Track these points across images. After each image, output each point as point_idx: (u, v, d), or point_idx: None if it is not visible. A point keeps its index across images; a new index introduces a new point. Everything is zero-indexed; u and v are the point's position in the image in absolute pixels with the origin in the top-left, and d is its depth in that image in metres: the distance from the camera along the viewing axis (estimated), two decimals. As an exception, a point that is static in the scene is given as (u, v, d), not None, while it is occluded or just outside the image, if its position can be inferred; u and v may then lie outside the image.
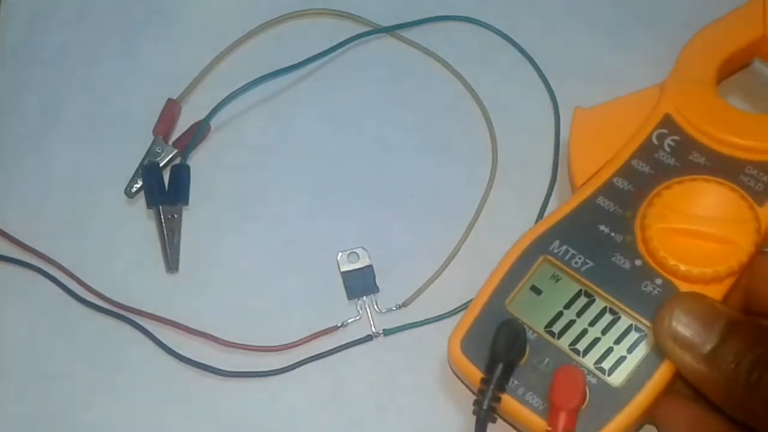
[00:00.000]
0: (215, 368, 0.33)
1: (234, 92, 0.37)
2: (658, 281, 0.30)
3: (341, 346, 0.33)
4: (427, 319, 0.34)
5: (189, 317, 0.34)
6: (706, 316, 0.26)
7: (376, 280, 0.34)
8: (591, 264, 0.31)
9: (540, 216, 0.36)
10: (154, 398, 0.33)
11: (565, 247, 0.32)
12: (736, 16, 0.36)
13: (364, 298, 0.34)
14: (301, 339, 0.33)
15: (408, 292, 0.34)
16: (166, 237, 0.35)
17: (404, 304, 0.34)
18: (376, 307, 0.34)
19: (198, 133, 0.37)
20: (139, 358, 0.33)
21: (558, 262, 0.31)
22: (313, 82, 0.39)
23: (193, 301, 0.34)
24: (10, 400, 0.32)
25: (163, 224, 0.35)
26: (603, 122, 0.35)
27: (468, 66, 0.39)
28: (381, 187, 0.37)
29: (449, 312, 0.34)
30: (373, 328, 0.34)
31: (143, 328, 0.34)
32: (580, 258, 0.31)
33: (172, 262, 0.35)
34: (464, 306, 0.34)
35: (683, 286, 0.30)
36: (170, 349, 0.33)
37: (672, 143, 0.33)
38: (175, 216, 0.35)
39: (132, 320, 0.34)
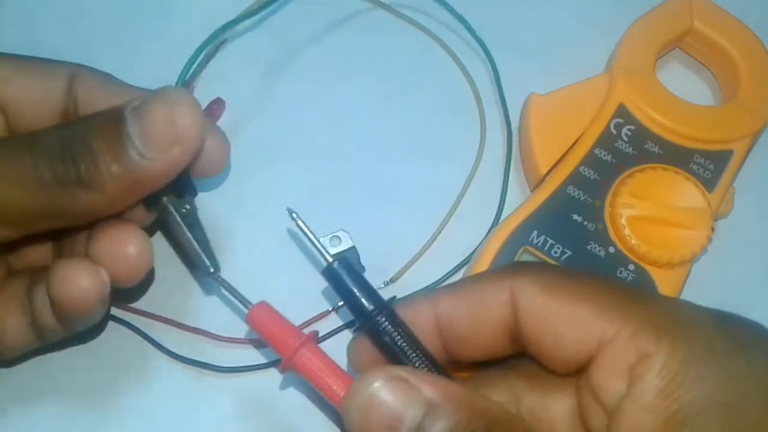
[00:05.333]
0: (213, 365, 0.32)
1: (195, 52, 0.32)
2: (631, 267, 0.32)
3: (335, 329, 0.33)
4: (416, 292, 0.34)
5: (182, 314, 0.33)
6: (388, 417, 0.22)
7: (361, 260, 0.34)
8: (569, 253, 0.32)
9: (502, 201, 0.36)
10: (153, 398, 0.32)
11: (543, 237, 0.33)
12: (667, 7, 0.38)
13: None
14: (294, 328, 0.33)
15: (394, 269, 0.34)
16: (189, 234, 0.28)
17: (392, 280, 0.34)
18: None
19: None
20: (137, 358, 0.33)
21: (538, 253, 0.32)
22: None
23: (185, 297, 0.34)
24: (9, 401, 0.32)
25: (180, 222, 0.28)
26: (559, 109, 0.36)
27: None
28: (360, 171, 0.37)
29: (437, 281, 0.34)
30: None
31: (139, 329, 0.33)
32: (558, 247, 0.32)
33: (211, 260, 0.28)
34: (452, 274, 0.35)
35: (654, 272, 0.32)
36: (167, 348, 0.32)
37: (629, 132, 0.35)
38: (188, 207, 0.29)
39: (127, 322, 0.33)
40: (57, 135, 0.26)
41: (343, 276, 0.26)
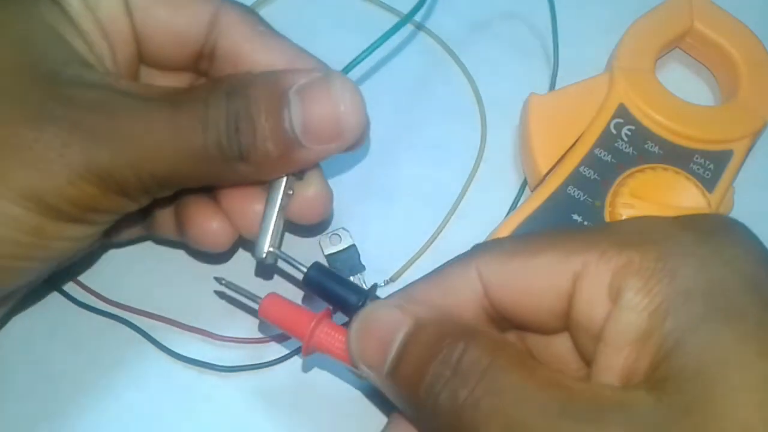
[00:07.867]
0: (213, 365, 0.32)
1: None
2: (631, 267, 0.32)
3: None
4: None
5: (182, 314, 0.33)
6: (382, 331, 0.23)
7: (361, 259, 0.34)
8: (569, 253, 0.32)
9: (516, 201, 0.36)
10: (154, 397, 0.32)
11: (543, 237, 0.32)
12: (667, 7, 0.38)
13: (351, 278, 0.34)
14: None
15: (394, 269, 0.34)
16: (275, 213, 0.28)
17: (392, 279, 0.34)
18: (364, 285, 0.34)
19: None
20: (137, 357, 0.33)
21: (538, 253, 0.32)
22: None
23: (185, 297, 0.34)
24: (10, 401, 0.32)
25: (278, 198, 0.28)
26: (558, 109, 0.36)
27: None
28: (360, 171, 0.37)
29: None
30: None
31: (139, 328, 0.33)
32: (558, 248, 0.32)
33: (269, 246, 0.28)
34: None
35: (654, 272, 0.32)
36: (167, 348, 0.33)
37: (629, 132, 0.35)
38: (291, 192, 0.29)
39: (128, 321, 0.33)
40: (225, 107, 0.25)
41: (322, 280, 0.27)
